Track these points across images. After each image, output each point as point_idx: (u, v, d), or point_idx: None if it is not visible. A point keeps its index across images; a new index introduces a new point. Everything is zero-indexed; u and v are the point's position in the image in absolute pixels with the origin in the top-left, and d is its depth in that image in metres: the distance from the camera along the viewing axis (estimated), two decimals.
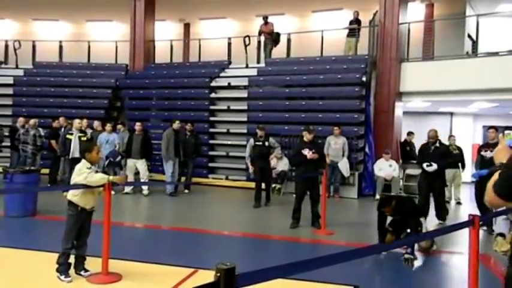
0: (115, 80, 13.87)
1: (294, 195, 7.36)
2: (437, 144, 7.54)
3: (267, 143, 8.91)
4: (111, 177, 4.58)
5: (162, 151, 9.89)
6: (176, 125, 10.07)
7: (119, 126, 10.95)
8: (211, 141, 12.46)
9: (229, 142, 12.28)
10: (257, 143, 8.91)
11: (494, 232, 6.95)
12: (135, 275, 4.54)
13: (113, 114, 13.70)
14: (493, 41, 11.68)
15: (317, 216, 7.06)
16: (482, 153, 7.51)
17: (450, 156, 8.01)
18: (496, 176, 1.84)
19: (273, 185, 9.93)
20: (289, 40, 13.43)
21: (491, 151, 7.21)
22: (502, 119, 14.82)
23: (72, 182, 4.43)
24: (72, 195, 4.34)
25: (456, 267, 5.58)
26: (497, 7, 13.16)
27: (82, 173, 4.30)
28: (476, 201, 7.50)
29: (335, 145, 10.06)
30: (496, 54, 10.72)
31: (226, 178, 11.86)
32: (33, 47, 15.53)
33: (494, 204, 2.02)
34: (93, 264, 4.45)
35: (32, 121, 10.61)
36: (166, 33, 16.59)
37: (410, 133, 12.14)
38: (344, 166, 10.09)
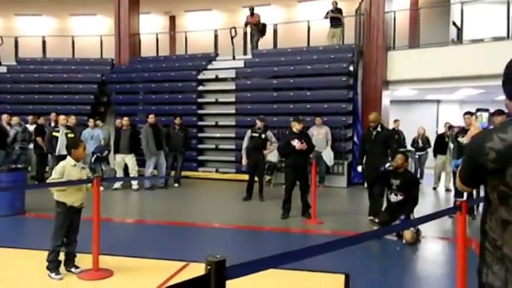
0: (101, 75, 13.72)
1: (284, 186, 7.39)
2: (379, 129, 6.93)
3: (263, 136, 8.68)
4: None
5: (143, 147, 9.88)
6: (151, 119, 10.02)
7: (98, 122, 10.55)
8: (200, 135, 12.43)
9: (218, 135, 12.26)
10: (253, 134, 8.68)
11: (476, 217, 7.08)
12: (126, 271, 4.52)
13: (99, 109, 13.58)
14: (478, 28, 11.77)
15: (307, 206, 7.10)
16: (460, 139, 7.35)
17: (394, 141, 7.27)
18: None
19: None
20: (275, 31, 13.40)
21: None
22: (488, 105, 14.94)
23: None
24: (57, 195, 4.30)
25: (443, 252, 5.65)
26: None
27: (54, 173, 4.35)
28: (455, 189, 7.59)
29: (318, 135, 10.03)
30: (480, 41, 10.81)
31: (216, 171, 11.85)
32: (16, 43, 15.31)
33: (462, 190, 2.06)
34: (83, 261, 4.42)
35: (15, 118, 10.31)
36: (151, 27, 16.44)
37: (396, 120, 12.26)
38: (328, 155, 10.13)
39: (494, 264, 1.71)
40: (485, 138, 1.70)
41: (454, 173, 7.61)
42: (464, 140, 7.22)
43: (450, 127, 10.23)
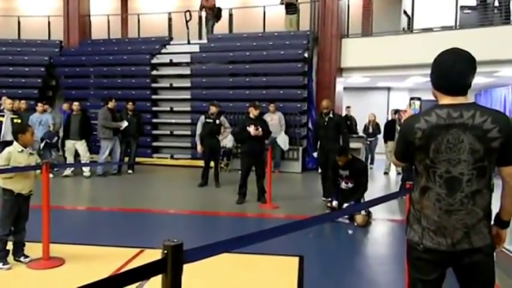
0: (49, 58, 13.13)
1: (240, 172, 7.42)
2: (331, 115, 7.26)
3: (217, 121, 8.59)
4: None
5: (98, 127, 9.64)
6: (112, 103, 9.79)
7: (45, 106, 9.88)
8: (154, 120, 12.22)
9: (173, 120, 12.10)
10: (208, 120, 8.55)
11: None
12: (78, 258, 4.42)
13: (48, 93, 13.03)
14: (428, 17, 12.15)
15: (262, 191, 7.18)
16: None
17: (344, 126, 7.71)
18: None
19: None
20: (231, 15, 13.28)
21: None
22: None
23: None
24: (3, 182, 4.12)
25: (393, 233, 5.89)
26: None
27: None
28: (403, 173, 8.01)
29: (271, 121, 10.06)
30: (430, 30, 11.17)
31: (171, 157, 11.71)
32: None
33: (397, 165, 2.55)
34: (33, 249, 4.28)
35: None
36: (102, 8, 15.84)
37: (348, 107, 12.55)
38: (282, 140, 10.26)
39: (415, 224, 2.13)
40: (414, 120, 2.07)
41: None
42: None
43: (396, 111, 10.49)
